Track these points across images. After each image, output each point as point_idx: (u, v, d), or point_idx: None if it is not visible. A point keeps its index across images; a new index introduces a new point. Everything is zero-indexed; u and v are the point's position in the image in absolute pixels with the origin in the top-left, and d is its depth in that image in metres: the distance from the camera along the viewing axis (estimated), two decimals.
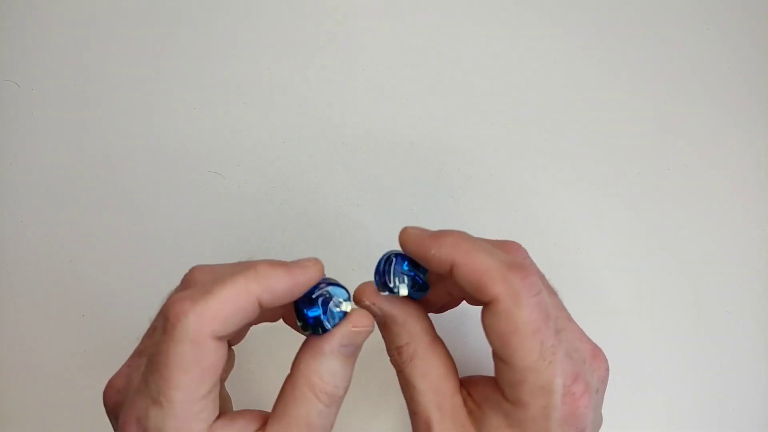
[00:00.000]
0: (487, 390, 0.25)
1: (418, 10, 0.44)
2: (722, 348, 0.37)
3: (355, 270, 0.37)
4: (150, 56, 0.42)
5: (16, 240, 0.38)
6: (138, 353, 0.25)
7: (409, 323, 0.26)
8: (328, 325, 0.24)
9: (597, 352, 0.26)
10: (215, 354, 0.22)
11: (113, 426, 0.25)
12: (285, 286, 0.23)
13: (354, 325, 0.24)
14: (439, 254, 0.24)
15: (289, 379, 0.24)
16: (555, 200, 0.39)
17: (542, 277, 0.26)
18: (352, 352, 0.24)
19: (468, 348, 0.35)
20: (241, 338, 0.28)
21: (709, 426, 0.35)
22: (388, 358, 0.27)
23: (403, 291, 0.25)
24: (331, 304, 0.24)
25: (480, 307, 0.24)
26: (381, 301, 0.26)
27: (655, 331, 0.37)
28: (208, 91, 0.41)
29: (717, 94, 0.42)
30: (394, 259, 0.26)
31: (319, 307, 0.24)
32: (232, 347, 0.28)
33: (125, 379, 0.25)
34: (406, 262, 0.26)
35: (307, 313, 0.23)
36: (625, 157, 0.40)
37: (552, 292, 0.26)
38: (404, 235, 0.26)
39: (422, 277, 0.26)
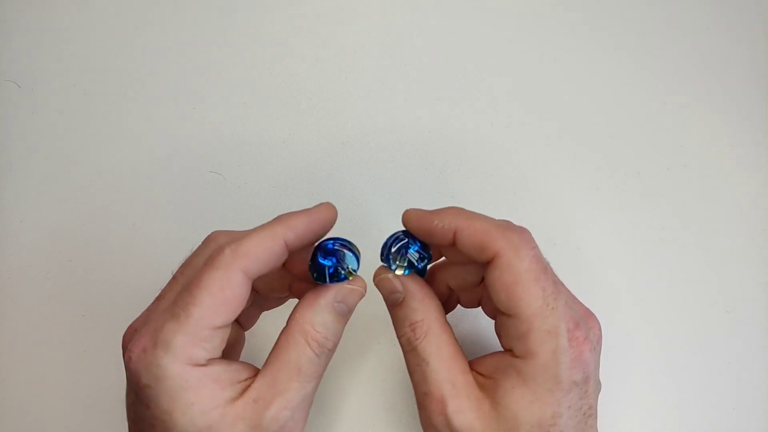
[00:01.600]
0: (494, 361, 0.26)
1: (418, 10, 0.44)
2: (722, 348, 0.37)
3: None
4: (150, 56, 0.42)
5: (16, 240, 0.38)
6: (158, 298, 0.27)
7: (426, 300, 0.27)
8: (327, 279, 0.26)
9: (590, 314, 0.27)
10: (239, 288, 0.24)
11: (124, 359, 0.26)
12: (305, 224, 0.26)
13: (350, 283, 0.26)
14: (443, 223, 0.26)
15: (284, 330, 0.26)
16: (555, 201, 0.39)
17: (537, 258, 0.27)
18: (344, 310, 0.26)
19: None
20: (253, 323, 0.31)
21: (709, 426, 0.35)
22: (398, 339, 0.28)
23: (399, 272, 0.28)
24: (341, 265, 0.26)
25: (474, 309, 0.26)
26: (403, 277, 0.28)
27: (655, 331, 0.37)
28: (208, 91, 0.41)
29: (717, 94, 0.42)
30: (394, 241, 0.28)
31: (331, 261, 0.26)
32: (244, 332, 0.30)
33: (143, 320, 0.26)
34: (406, 240, 0.28)
35: (321, 260, 0.26)
36: (625, 157, 0.40)
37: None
38: (407, 214, 0.28)
39: (421, 251, 0.28)
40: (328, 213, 0.27)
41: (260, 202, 0.39)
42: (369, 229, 0.38)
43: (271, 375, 0.25)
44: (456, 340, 0.27)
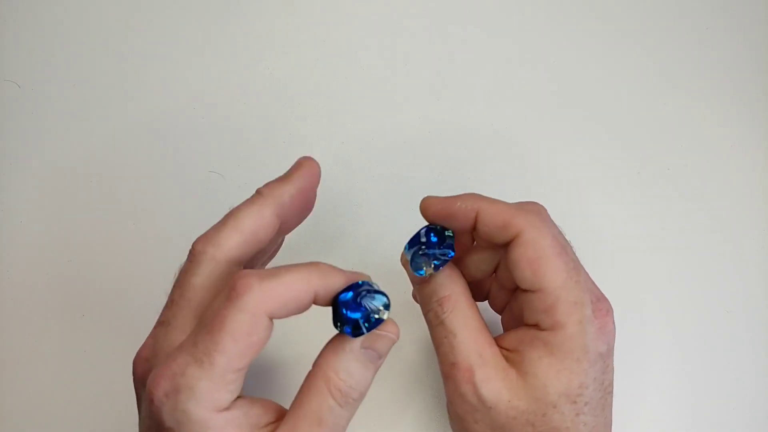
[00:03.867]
0: (518, 335, 0.27)
1: (418, 10, 0.44)
2: (722, 348, 0.37)
3: (355, 269, 0.37)
4: (150, 56, 0.42)
5: (16, 240, 0.38)
6: (160, 324, 0.26)
7: (453, 276, 0.28)
8: (364, 330, 0.24)
9: (606, 298, 0.27)
10: (264, 332, 0.23)
11: (138, 394, 0.25)
12: (339, 285, 0.24)
13: (380, 329, 0.24)
14: (464, 205, 0.26)
15: (308, 375, 0.25)
16: (554, 201, 0.39)
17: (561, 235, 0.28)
18: (373, 357, 0.25)
19: None
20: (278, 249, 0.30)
21: (709, 426, 0.35)
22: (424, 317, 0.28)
23: (429, 270, 0.27)
24: (370, 311, 0.24)
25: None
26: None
27: (655, 331, 0.37)
28: (208, 91, 0.41)
29: (717, 94, 0.42)
30: (417, 243, 0.28)
31: (359, 311, 0.24)
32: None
33: (151, 349, 0.25)
34: (425, 243, 0.27)
35: (348, 314, 0.24)
36: (624, 157, 0.40)
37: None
38: (427, 201, 0.28)
39: (441, 250, 0.27)
40: (362, 279, 0.26)
41: None
42: (369, 229, 0.38)
43: (291, 423, 0.24)
44: (481, 315, 0.28)
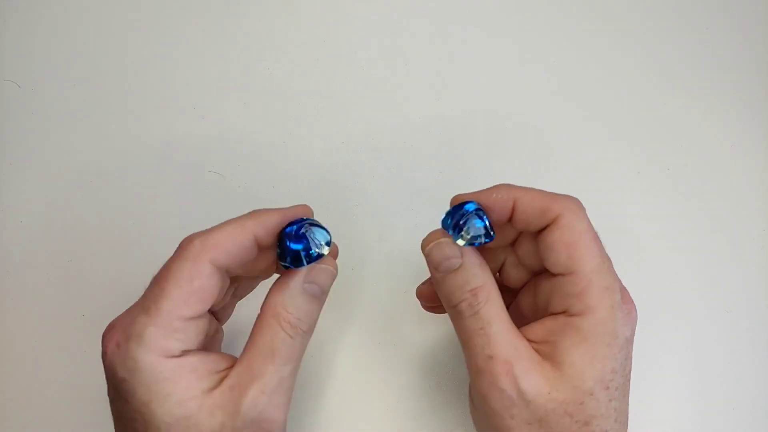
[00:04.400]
0: (546, 325, 0.26)
1: (417, 9, 0.44)
2: (722, 348, 0.37)
3: (355, 269, 0.37)
4: (150, 56, 0.42)
5: (16, 240, 0.38)
6: (136, 303, 0.27)
7: (484, 266, 0.27)
8: (305, 262, 0.26)
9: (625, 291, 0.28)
10: (208, 278, 0.24)
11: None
12: (276, 222, 0.26)
13: (319, 263, 0.26)
14: (501, 196, 0.27)
15: (258, 316, 0.26)
16: None
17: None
18: (316, 291, 0.26)
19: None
20: (229, 315, 0.31)
21: (710, 426, 0.35)
22: (449, 310, 0.28)
23: (461, 242, 0.26)
24: (312, 244, 0.26)
25: None
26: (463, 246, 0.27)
27: (655, 331, 0.37)
28: (208, 91, 0.41)
29: (717, 94, 0.42)
30: (462, 211, 0.27)
31: (301, 243, 0.26)
32: (221, 325, 0.30)
33: (120, 319, 0.27)
34: (475, 212, 0.26)
35: (290, 245, 0.26)
36: (624, 157, 0.40)
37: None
38: (458, 198, 0.28)
39: (489, 228, 0.26)
40: (303, 212, 0.27)
41: (260, 202, 0.39)
42: (369, 229, 0.38)
43: (246, 361, 0.25)
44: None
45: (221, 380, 0.25)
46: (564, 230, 0.26)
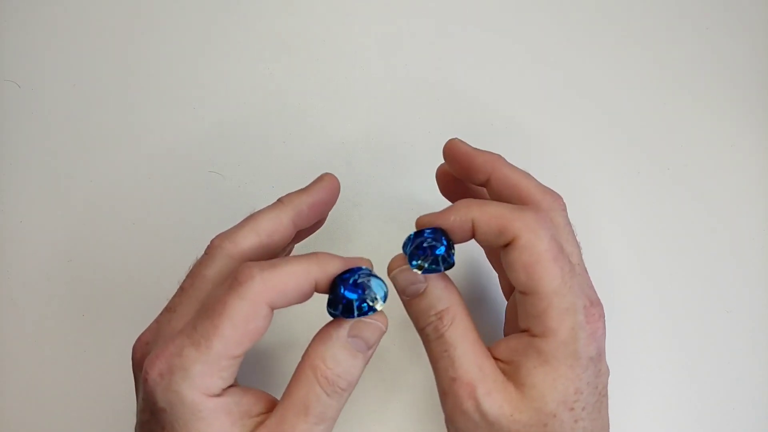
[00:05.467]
0: (511, 345, 0.26)
1: (418, 9, 0.44)
2: (722, 348, 0.37)
3: None
4: (150, 56, 0.42)
5: (16, 240, 0.38)
6: (166, 310, 0.26)
7: (449, 288, 0.27)
8: (355, 313, 0.24)
9: (599, 301, 0.27)
10: (262, 321, 0.23)
11: (136, 377, 0.26)
12: (338, 269, 0.25)
13: (367, 317, 0.25)
14: (459, 218, 0.26)
15: (298, 365, 0.25)
16: None
17: (569, 227, 0.28)
18: (361, 346, 0.25)
19: None
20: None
21: (710, 426, 0.35)
22: (419, 333, 0.28)
23: (418, 270, 0.26)
24: (367, 296, 0.24)
25: None
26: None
27: (655, 331, 0.37)
28: (208, 91, 0.41)
29: (717, 94, 0.42)
30: (420, 238, 0.26)
31: (356, 293, 0.24)
32: None
33: (153, 333, 0.26)
34: (433, 239, 0.26)
35: (345, 293, 0.24)
36: (625, 157, 0.40)
37: (577, 244, 0.28)
38: (420, 221, 0.27)
39: (447, 252, 0.26)
40: (366, 264, 0.26)
41: (260, 202, 0.39)
42: (369, 229, 0.38)
43: (280, 414, 0.24)
44: (475, 326, 0.27)
45: (255, 427, 0.24)
46: (522, 251, 0.25)
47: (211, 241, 0.27)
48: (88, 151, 0.40)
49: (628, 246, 0.38)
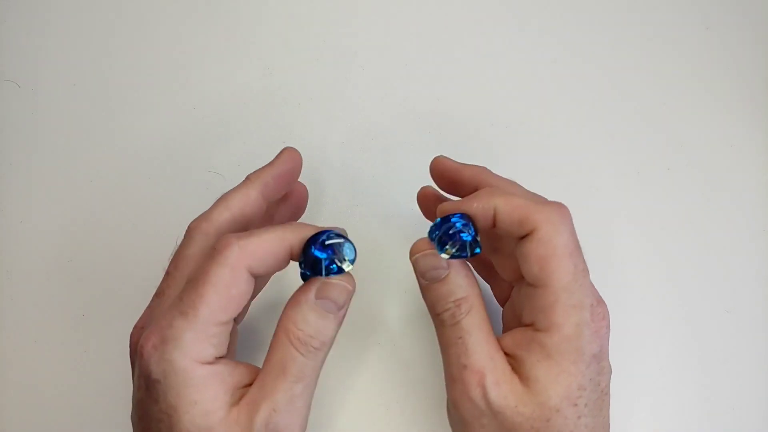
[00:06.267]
0: (515, 338, 0.27)
1: (417, 10, 0.44)
2: (722, 348, 0.37)
3: (355, 270, 0.37)
4: (150, 56, 0.42)
5: (16, 240, 0.38)
6: (156, 295, 0.27)
7: (470, 277, 0.27)
8: (323, 273, 0.25)
9: (603, 302, 0.28)
10: (244, 286, 0.25)
11: (132, 363, 0.26)
12: (313, 231, 0.26)
13: (333, 278, 0.26)
14: (481, 204, 0.26)
15: (275, 331, 0.26)
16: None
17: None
18: (330, 307, 0.26)
19: None
20: (244, 315, 0.30)
21: (709, 426, 0.35)
22: (434, 318, 0.28)
23: (446, 256, 0.26)
24: (335, 256, 0.25)
25: None
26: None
27: (655, 331, 0.37)
28: (208, 91, 0.41)
29: (717, 94, 0.42)
30: (448, 223, 0.26)
31: (325, 253, 0.25)
32: (237, 324, 0.30)
33: (147, 318, 0.27)
34: (463, 225, 0.26)
35: (314, 252, 0.25)
36: (624, 157, 0.40)
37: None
38: (443, 207, 0.27)
39: (475, 240, 0.26)
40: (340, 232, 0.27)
41: None
42: (369, 229, 0.38)
43: (261, 378, 0.25)
44: (490, 319, 0.28)
45: (243, 396, 0.25)
46: (539, 243, 0.25)
47: (188, 225, 0.28)
48: (88, 151, 0.40)
49: (628, 246, 0.38)
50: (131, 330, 0.27)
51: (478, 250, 0.26)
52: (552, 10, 0.44)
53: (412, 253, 0.28)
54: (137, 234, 0.38)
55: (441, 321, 0.28)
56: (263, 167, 0.30)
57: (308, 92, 0.41)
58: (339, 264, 0.25)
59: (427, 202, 0.33)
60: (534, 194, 0.28)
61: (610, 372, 0.27)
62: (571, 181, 0.40)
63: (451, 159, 0.31)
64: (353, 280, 0.26)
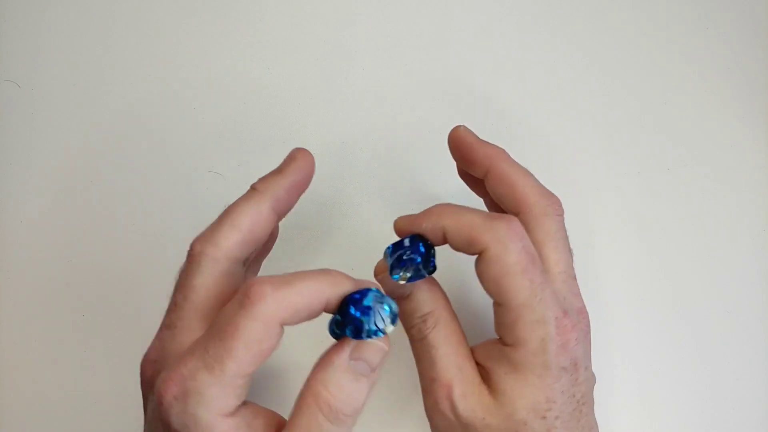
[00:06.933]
0: (487, 348, 0.27)
1: (418, 10, 0.44)
2: (722, 348, 0.37)
3: (355, 270, 0.37)
4: (150, 56, 0.42)
5: (16, 240, 0.38)
6: (166, 327, 0.26)
7: (434, 292, 0.28)
8: (364, 336, 0.23)
9: (581, 309, 0.28)
10: (275, 340, 0.23)
11: (145, 396, 0.25)
12: (350, 291, 0.24)
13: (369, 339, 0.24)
14: (430, 224, 0.26)
15: (300, 391, 0.24)
16: None
17: (562, 233, 0.28)
18: (365, 369, 0.23)
19: None
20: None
21: (709, 426, 0.35)
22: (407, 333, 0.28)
23: (403, 282, 0.26)
24: (377, 318, 0.23)
25: None
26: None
27: (655, 331, 0.37)
28: (208, 90, 0.41)
29: (717, 94, 0.42)
30: (398, 249, 0.27)
31: (367, 315, 0.23)
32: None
33: (159, 352, 0.25)
34: (410, 248, 0.27)
35: (355, 314, 0.23)
36: (625, 157, 0.40)
37: (568, 250, 0.28)
38: (397, 223, 0.28)
39: (426, 260, 0.27)
40: (374, 287, 0.25)
41: None
42: (370, 229, 0.38)
43: None
44: (461, 328, 0.28)
45: None
46: (490, 263, 0.25)
47: (192, 246, 0.26)
48: (88, 151, 0.40)
49: (627, 246, 0.38)
50: (134, 341, 0.26)
51: (432, 266, 0.26)
52: (551, 10, 0.44)
53: (375, 273, 0.28)
54: (137, 234, 0.38)
55: (411, 336, 0.28)
56: (273, 175, 0.27)
57: (308, 92, 0.41)
58: (380, 326, 0.23)
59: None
60: (488, 213, 0.26)
61: (591, 381, 0.27)
62: (570, 181, 0.40)
63: (470, 132, 0.29)
64: (388, 339, 0.24)
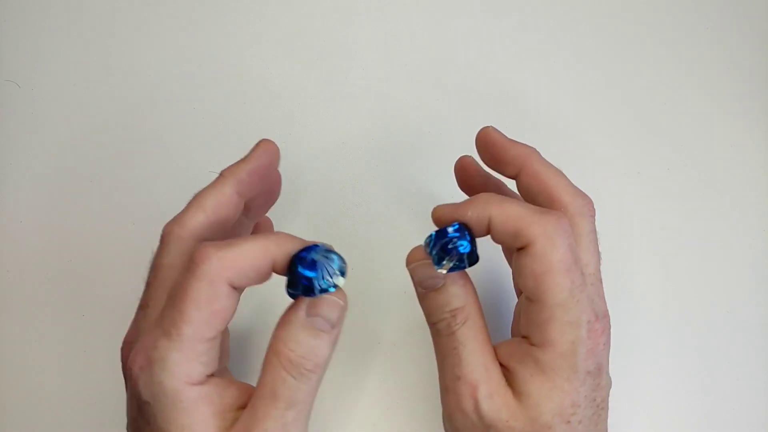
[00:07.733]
0: (511, 347, 0.26)
1: (418, 10, 0.44)
2: (722, 348, 0.37)
3: (355, 270, 0.37)
4: (150, 56, 0.42)
5: (16, 240, 0.38)
6: (141, 308, 0.26)
7: (467, 286, 0.27)
8: (317, 292, 0.23)
9: (607, 314, 0.27)
10: (226, 300, 0.23)
11: (125, 378, 0.25)
12: (297, 249, 0.24)
13: (325, 294, 0.24)
14: (476, 213, 0.25)
15: (266, 353, 0.24)
16: None
17: (593, 235, 0.28)
18: (323, 325, 0.24)
19: None
20: (232, 316, 0.29)
21: (709, 426, 0.35)
22: (430, 327, 0.28)
23: (444, 270, 0.26)
24: (325, 273, 0.24)
25: None
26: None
27: (655, 331, 0.37)
28: (209, 90, 0.41)
29: (717, 94, 0.42)
30: (444, 236, 0.26)
31: (314, 271, 0.23)
32: (226, 335, 0.29)
33: (134, 332, 0.26)
34: (457, 236, 0.26)
35: (303, 272, 0.23)
36: (625, 156, 0.40)
37: (598, 253, 0.28)
38: (437, 211, 0.27)
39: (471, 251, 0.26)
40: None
41: None
42: (370, 229, 0.38)
43: (252, 403, 0.24)
44: (487, 327, 0.27)
45: (235, 420, 0.24)
46: (534, 258, 0.24)
47: (162, 230, 0.26)
48: (88, 151, 0.40)
49: (628, 246, 0.38)
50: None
51: (476, 257, 0.26)
52: (551, 11, 0.44)
53: (408, 262, 0.27)
54: (137, 234, 0.38)
55: (437, 330, 0.27)
56: (238, 162, 0.28)
57: (308, 92, 0.41)
58: (330, 280, 0.23)
59: (464, 174, 0.31)
60: (533, 206, 0.26)
61: (609, 386, 0.27)
62: (571, 180, 0.39)
63: (499, 132, 0.29)
64: (345, 295, 0.24)
